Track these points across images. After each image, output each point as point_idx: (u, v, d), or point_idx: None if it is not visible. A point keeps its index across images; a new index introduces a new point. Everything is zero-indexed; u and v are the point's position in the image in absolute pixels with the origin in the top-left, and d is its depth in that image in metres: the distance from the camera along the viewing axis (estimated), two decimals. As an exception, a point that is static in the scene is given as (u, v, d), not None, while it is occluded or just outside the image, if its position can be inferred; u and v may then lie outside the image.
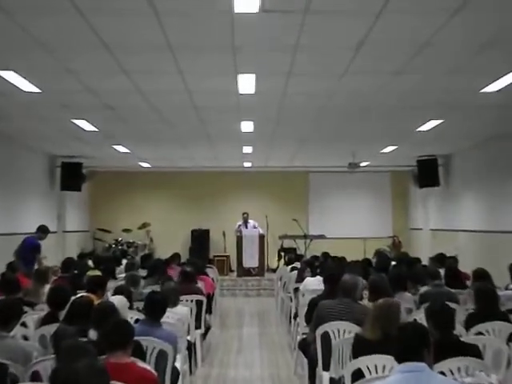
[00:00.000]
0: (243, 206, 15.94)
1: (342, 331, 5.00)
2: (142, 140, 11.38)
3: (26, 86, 6.94)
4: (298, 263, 10.78)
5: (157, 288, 6.67)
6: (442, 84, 7.07)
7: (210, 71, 6.53)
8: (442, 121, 9.32)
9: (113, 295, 5.68)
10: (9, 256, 9.48)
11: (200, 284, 8.03)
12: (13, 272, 7.96)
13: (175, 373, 4.87)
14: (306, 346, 5.87)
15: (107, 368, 2.79)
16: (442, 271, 7.12)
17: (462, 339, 4.12)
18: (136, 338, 3.88)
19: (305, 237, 15.00)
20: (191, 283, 7.54)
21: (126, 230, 16.34)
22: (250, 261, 14.75)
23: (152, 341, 4.47)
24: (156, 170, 16.21)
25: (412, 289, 6.52)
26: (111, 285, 6.58)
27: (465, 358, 3.73)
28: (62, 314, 4.73)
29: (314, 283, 7.61)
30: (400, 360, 3.05)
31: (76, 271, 8.09)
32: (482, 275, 6.60)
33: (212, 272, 11.15)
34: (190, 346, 6.43)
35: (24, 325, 5.22)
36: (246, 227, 15.23)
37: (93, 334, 4.08)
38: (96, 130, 9.98)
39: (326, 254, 10.90)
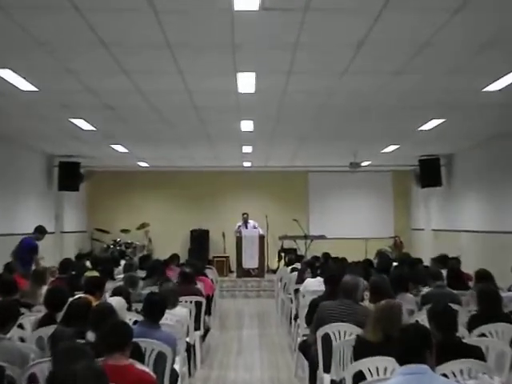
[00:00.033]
0: (243, 206, 15.94)
1: (343, 333, 5.00)
2: (141, 140, 11.38)
3: (24, 85, 6.94)
4: (299, 264, 10.77)
5: (155, 289, 6.66)
6: (443, 83, 7.06)
7: (210, 70, 6.53)
8: (443, 120, 9.32)
9: (111, 296, 5.67)
10: (6, 257, 9.48)
11: (199, 285, 8.03)
12: (10, 273, 7.96)
13: (174, 375, 4.87)
14: (306, 348, 5.86)
15: (105, 370, 2.78)
16: (444, 272, 7.12)
17: (464, 341, 4.12)
18: (134, 339, 3.87)
19: (305, 237, 14.99)
20: (190, 284, 7.54)
21: (125, 231, 16.34)
22: (250, 261, 14.75)
23: (151, 342, 4.46)
24: (155, 169, 16.21)
25: (413, 289, 6.52)
26: (109, 286, 6.58)
27: (467, 361, 3.73)
28: (60, 316, 4.73)
29: (315, 284, 7.61)
30: (402, 362, 3.04)
31: (74, 272, 8.09)
32: (484, 276, 6.59)
33: (211, 273, 11.15)
34: (189, 348, 6.42)
35: (21, 326, 5.22)
36: (246, 227, 15.24)
37: (91, 336, 4.07)
38: (94, 129, 9.97)
39: (326, 255, 10.89)
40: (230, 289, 14.53)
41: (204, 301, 7.36)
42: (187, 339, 6.22)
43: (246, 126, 9.91)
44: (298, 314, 7.63)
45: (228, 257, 15.90)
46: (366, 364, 3.92)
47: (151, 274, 8.16)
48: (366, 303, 5.79)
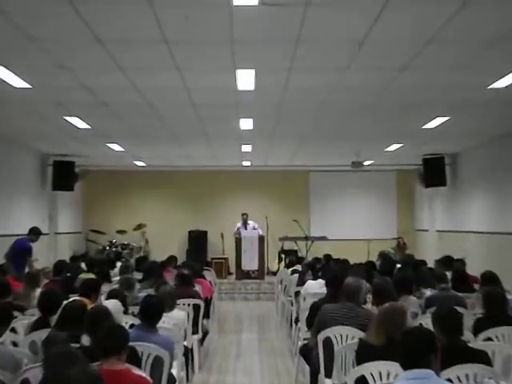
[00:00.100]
0: (242, 206, 15.94)
1: (345, 336, 4.99)
2: (137, 138, 11.37)
3: (17, 81, 6.93)
4: (299, 266, 10.76)
5: (152, 292, 6.66)
6: (447, 80, 7.06)
7: (208, 66, 6.52)
8: (448, 118, 9.32)
9: (107, 299, 5.66)
10: (-2, 258, 9.48)
11: (197, 287, 8.02)
12: (3, 275, 7.95)
13: (171, 380, 4.86)
14: (307, 352, 5.86)
15: (101, 375, 2.78)
16: (448, 274, 7.11)
17: (470, 345, 4.11)
18: (131, 343, 3.86)
19: (306, 238, 14.99)
20: (188, 287, 7.53)
21: (121, 232, 16.33)
22: (250, 263, 14.75)
23: (147, 347, 4.45)
24: (152, 169, 16.20)
25: (416, 292, 6.52)
26: (105, 288, 6.57)
27: (473, 365, 3.73)
28: (54, 319, 4.72)
29: (316, 286, 7.60)
30: (406, 366, 3.04)
31: (69, 274, 8.08)
32: (490, 278, 6.59)
33: (210, 275, 11.14)
34: (187, 352, 6.42)
35: (14, 330, 5.19)
36: (246, 228, 15.24)
37: (86, 340, 4.06)
38: (90, 127, 9.97)
39: (328, 257, 10.87)
40: (229, 291, 14.53)
41: (202, 304, 7.35)
42: (185, 343, 6.22)
43: (246, 124, 9.90)
44: (298, 317, 7.62)
45: (227, 258, 15.90)
46: (369, 368, 3.92)
47: (148, 276, 8.15)
48: (369, 306, 5.78)
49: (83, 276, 7.65)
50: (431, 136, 10.91)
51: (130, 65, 6.40)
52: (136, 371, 3.73)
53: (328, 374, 5.00)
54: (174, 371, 5.03)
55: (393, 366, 3.68)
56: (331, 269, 8.53)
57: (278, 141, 11.73)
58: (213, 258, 15.91)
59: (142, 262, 10.37)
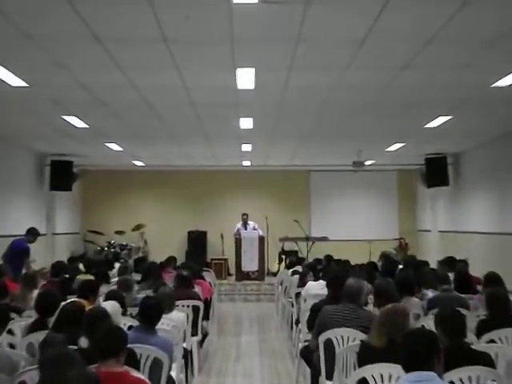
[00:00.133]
0: (242, 206, 15.94)
1: (346, 338, 4.99)
2: (136, 138, 11.37)
3: (14, 80, 6.92)
4: (300, 267, 10.75)
5: (151, 293, 6.65)
6: (450, 79, 7.06)
7: (208, 65, 6.52)
8: (450, 117, 9.32)
9: (105, 300, 5.66)
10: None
11: (197, 289, 8.02)
12: (0, 276, 7.94)
13: (171, 382, 4.85)
14: (308, 354, 5.86)
15: (99, 377, 2.77)
16: (451, 275, 7.11)
17: (473, 347, 4.11)
18: (129, 345, 3.86)
19: (307, 239, 14.98)
20: (187, 288, 7.53)
21: (119, 232, 16.33)
22: (250, 264, 14.74)
23: (146, 348, 4.45)
24: (151, 168, 16.20)
25: (418, 293, 6.51)
26: (104, 290, 6.57)
27: (476, 367, 3.72)
28: (51, 321, 4.71)
29: (317, 288, 7.60)
30: (408, 369, 3.03)
31: (67, 275, 8.07)
32: (493, 279, 6.58)
33: (209, 276, 11.14)
34: (187, 354, 6.41)
35: (11, 332, 5.20)
36: (246, 229, 15.23)
37: (84, 342, 4.06)
38: (87, 126, 9.96)
39: (329, 257, 10.87)
40: (229, 292, 14.53)
41: (202, 305, 7.35)
42: (184, 345, 6.21)
43: (246, 123, 9.90)
44: (299, 318, 7.62)
45: (226, 259, 15.89)
46: (370, 371, 3.91)
47: (147, 277, 8.15)
48: (370, 307, 5.78)
49: (81, 277, 7.65)
50: (433, 135, 10.91)
51: (128, 63, 6.39)
52: (134, 373, 3.72)
53: (329, 377, 5.00)
54: (173, 373, 5.03)
55: (395, 369, 3.67)
56: (332, 270, 8.52)
57: (278, 140, 11.73)
58: (212, 259, 15.91)
59: (140, 263, 10.36)
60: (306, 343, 6.22)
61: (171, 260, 10.46)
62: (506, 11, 4.91)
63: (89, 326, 4.10)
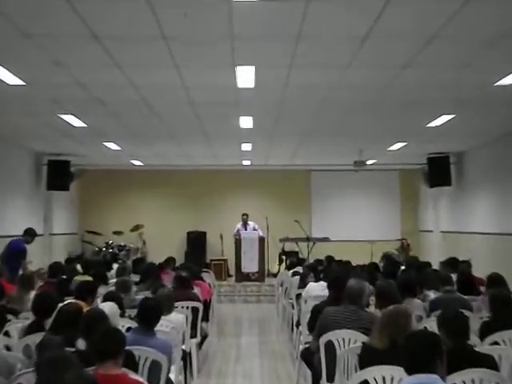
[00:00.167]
0: (242, 206, 15.94)
1: (348, 340, 4.98)
2: (134, 137, 11.36)
3: (11, 78, 6.91)
4: (300, 268, 10.75)
5: (150, 294, 6.65)
6: (452, 77, 7.05)
7: (207, 63, 6.51)
8: (453, 116, 9.31)
9: (103, 302, 5.66)
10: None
11: (196, 290, 8.02)
12: (-4, 277, 7.94)
13: (169, 385, 4.85)
14: (308, 356, 5.85)
15: (96, 380, 2.77)
16: (454, 276, 7.11)
17: (476, 349, 4.10)
18: (128, 347, 3.86)
19: (307, 239, 14.97)
20: (187, 289, 7.52)
21: (118, 233, 16.32)
22: (250, 265, 14.74)
23: (145, 350, 4.44)
24: (149, 168, 16.20)
25: (420, 294, 6.51)
26: (102, 291, 6.56)
27: (479, 370, 3.72)
28: (48, 323, 4.71)
29: (318, 289, 7.60)
30: (410, 371, 3.03)
31: (64, 276, 8.07)
32: (497, 280, 6.58)
33: (209, 277, 11.14)
34: (186, 356, 6.41)
35: (7, 334, 5.19)
36: (246, 229, 15.23)
37: (81, 344, 4.06)
38: (85, 126, 9.96)
39: (330, 258, 10.88)
40: (229, 293, 14.53)
41: (201, 306, 7.35)
42: (183, 347, 6.21)
43: (245, 122, 9.90)
44: (299, 320, 7.62)
45: (226, 260, 15.88)
46: (372, 373, 3.91)
47: (145, 278, 8.15)
48: (372, 309, 5.78)
49: (79, 278, 7.65)
50: (436, 134, 10.90)
51: (127, 62, 6.39)
52: (133, 376, 3.72)
53: (330, 379, 4.99)
54: (172, 376, 5.03)
55: (397, 371, 3.67)
56: (333, 271, 8.51)
57: (278, 139, 11.72)
58: (212, 260, 15.90)
59: (139, 264, 10.36)
60: (307, 345, 6.22)
61: (170, 261, 10.46)
62: (508, 9, 4.89)
63: (86, 328, 4.09)
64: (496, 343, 4.72)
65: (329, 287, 6.32)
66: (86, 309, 4.88)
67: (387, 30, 5.37)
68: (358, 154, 12.76)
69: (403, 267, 9.42)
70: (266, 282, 14.77)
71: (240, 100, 8.24)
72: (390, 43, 5.82)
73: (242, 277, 14.78)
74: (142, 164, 15.52)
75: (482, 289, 7.08)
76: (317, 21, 5.17)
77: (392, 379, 3.84)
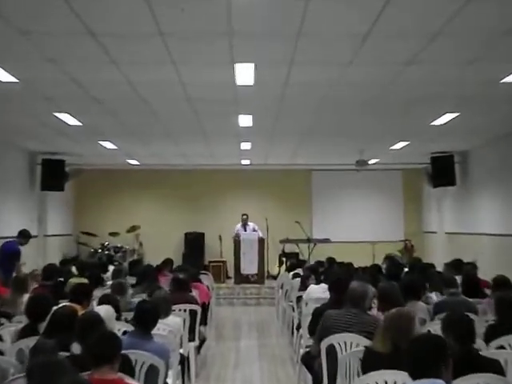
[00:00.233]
0: (241, 207, 15.94)
1: (349, 344, 4.98)
2: (131, 136, 11.36)
3: (4, 75, 6.90)
4: (301, 269, 10.76)
5: (146, 297, 6.65)
6: (457, 74, 7.04)
7: (206, 60, 6.50)
8: (457, 114, 9.31)
9: (98, 305, 5.65)
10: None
11: (194, 292, 8.02)
12: (-11, 280, 7.94)
13: (167, 390, 4.85)
14: (309, 360, 5.85)
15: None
16: (458, 278, 7.10)
17: (481, 353, 4.10)
18: (124, 351, 3.85)
19: (308, 241, 14.98)
20: (184, 291, 7.52)
21: (113, 234, 16.32)
22: (249, 267, 14.74)
23: (141, 355, 4.44)
24: (146, 167, 16.20)
25: (422, 296, 6.51)
26: (97, 293, 6.56)
27: (485, 375, 3.71)
28: (43, 326, 4.71)
29: (319, 291, 7.60)
30: (414, 376, 3.02)
31: (60, 279, 8.06)
32: (503, 283, 6.58)
33: (207, 279, 11.13)
34: (183, 360, 6.40)
35: (0, 338, 5.19)
36: (245, 230, 15.22)
37: (76, 348, 4.05)
38: (80, 124, 9.95)
39: (331, 260, 10.88)
40: (228, 296, 14.52)
41: (199, 309, 7.34)
42: (181, 351, 6.20)
43: (245, 120, 9.89)
44: (300, 323, 7.61)
45: (225, 262, 15.88)
46: (374, 377, 3.90)
47: (142, 280, 8.14)
48: (374, 312, 5.77)
49: (74, 280, 7.64)
50: (440, 133, 10.90)
51: (123, 59, 6.38)
52: (129, 381, 3.72)
53: (331, 383, 4.99)
54: (169, 381, 5.03)
55: (400, 375, 3.67)
56: (335, 272, 8.51)
57: (278, 138, 11.72)
58: (210, 262, 15.89)
59: (135, 266, 10.36)
60: (308, 349, 6.22)
61: (167, 263, 10.46)
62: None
63: (81, 332, 4.09)
64: (502, 347, 4.71)
65: (330, 289, 6.32)
66: (81, 312, 4.87)
67: (389, 27, 5.37)
68: (359, 153, 12.77)
69: (406, 269, 9.43)
70: (265, 284, 14.78)
71: (239, 98, 8.24)
72: (391, 41, 5.82)
73: (242, 279, 14.78)
74: (138, 163, 15.51)
75: (488, 291, 7.08)
76: (317, 17, 5.17)
77: (395, 384, 3.84)
